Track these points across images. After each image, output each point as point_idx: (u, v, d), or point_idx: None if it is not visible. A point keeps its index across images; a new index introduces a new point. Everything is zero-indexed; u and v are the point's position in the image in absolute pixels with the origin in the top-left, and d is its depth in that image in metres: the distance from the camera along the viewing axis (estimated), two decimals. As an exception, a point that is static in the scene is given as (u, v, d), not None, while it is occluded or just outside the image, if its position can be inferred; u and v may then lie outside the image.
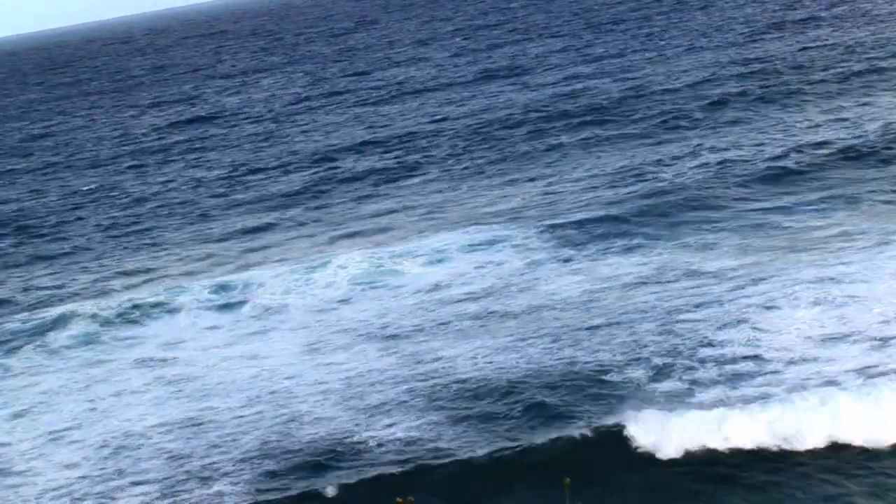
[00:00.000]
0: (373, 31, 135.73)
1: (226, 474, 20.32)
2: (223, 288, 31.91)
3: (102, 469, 21.50)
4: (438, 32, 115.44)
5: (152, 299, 31.97)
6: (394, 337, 26.21)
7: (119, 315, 30.93)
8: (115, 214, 47.55)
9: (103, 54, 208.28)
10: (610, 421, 19.35)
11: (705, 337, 22.89)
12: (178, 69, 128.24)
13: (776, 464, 18.25)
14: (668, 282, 26.65)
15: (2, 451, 23.28)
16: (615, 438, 18.89)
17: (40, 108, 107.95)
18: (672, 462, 18.54)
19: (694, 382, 20.98)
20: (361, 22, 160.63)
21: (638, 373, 21.66)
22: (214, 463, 20.88)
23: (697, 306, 24.83)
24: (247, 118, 71.78)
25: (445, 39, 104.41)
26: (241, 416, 22.90)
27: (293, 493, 19.34)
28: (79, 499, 20.42)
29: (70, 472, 21.64)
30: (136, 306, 31.55)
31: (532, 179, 40.10)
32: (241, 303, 30.33)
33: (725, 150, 38.70)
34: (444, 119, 56.84)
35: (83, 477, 21.29)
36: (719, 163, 36.93)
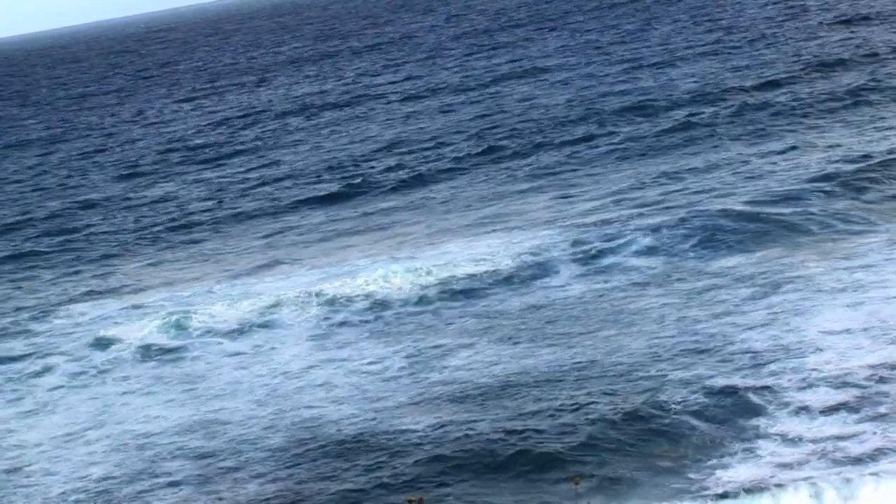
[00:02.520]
0: (387, 31, 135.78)
1: (258, 474, 20.96)
2: (238, 290, 32.59)
3: (126, 469, 22.12)
4: (458, 31, 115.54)
5: (164, 302, 32.67)
6: (399, 334, 27.23)
7: (129, 315, 31.68)
8: (132, 215, 48.14)
9: (111, 53, 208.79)
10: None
11: (726, 333, 23.77)
12: (194, 68, 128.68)
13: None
14: (686, 283, 27.51)
15: (20, 451, 23.89)
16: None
17: (62, 106, 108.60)
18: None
19: (716, 368, 22.03)
20: (375, 22, 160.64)
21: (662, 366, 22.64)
22: (244, 463, 21.54)
23: (716, 306, 25.68)
24: (271, 119, 71.70)
25: (468, 38, 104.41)
26: (260, 416, 23.68)
27: (319, 492, 20.02)
28: (109, 499, 21.04)
29: (93, 472, 22.25)
30: (145, 306, 32.32)
31: (554, 185, 40.34)
32: (252, 303, 30.86)
33: (746, 158, 38.70)
34: (464, 121, 56.85)
35: (107, 477, 21.91)
36: (742, 171, 37.09)
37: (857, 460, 18.33)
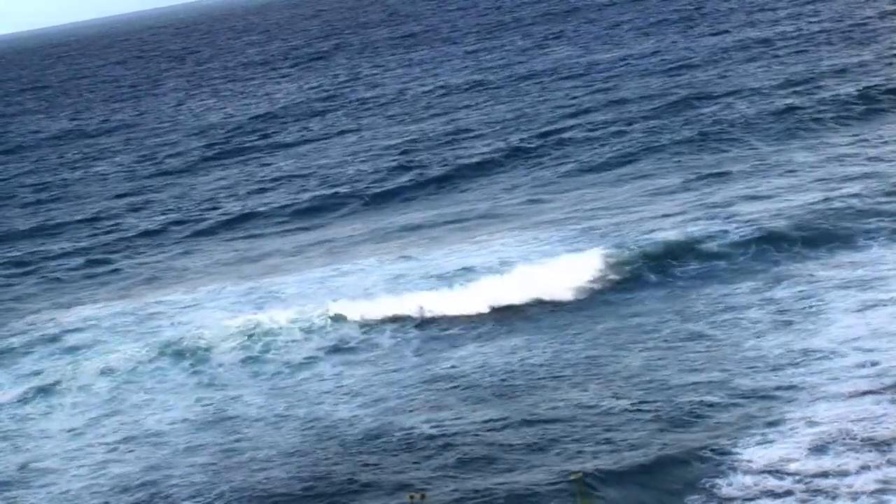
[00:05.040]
0: (410, 24, 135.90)
1: (273, 470, 21.69)
2: (251, 286, 33.38)
3: (141, 464, 22.87)
4: (492, 21, 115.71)
5: (175, 300, 33.44)
6: (410, 331, 28.18)
7: (141, 314, 32.48)
8: (144, 214, 48.82)
9: (128, 49, 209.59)
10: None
11: (736, 336, 24.44)
12: (208, 64, 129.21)
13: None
14: (700, 290, 28.00)
15: (30, 447, 24.64)
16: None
17: (77, 101, 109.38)
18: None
19: (732, 373, 22.50)
20: (394, 15, 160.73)
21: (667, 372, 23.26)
22: (256, 458, 22.31)
23: (722, 307, 26.44)
24: (291, 115, 72.02)
25: (499, 31, 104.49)
26: (272, 411, 24.55)
27: (327, 486, 20.77)
28: (126, 494, 21.71)
29: (109, 468, 22.97)
30: (155, 305, 33.09)
31: (578, 186, 40.45)
32: (265, 302, 31.62)
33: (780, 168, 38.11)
34: (497, 119, 56.70)
35: (122, 472, 22.63)
36: (797, 173, 36.68)
37: (882, 444, 18.86)
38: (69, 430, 25.33)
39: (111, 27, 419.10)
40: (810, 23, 68.48)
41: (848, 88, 46.96)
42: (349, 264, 34.38)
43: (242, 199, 48.78)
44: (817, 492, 17.89)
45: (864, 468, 18.29)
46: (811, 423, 19.87)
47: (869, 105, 44.03)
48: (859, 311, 24.62)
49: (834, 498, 17.76)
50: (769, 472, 18.62)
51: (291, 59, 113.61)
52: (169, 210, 48.88)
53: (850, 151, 38.20)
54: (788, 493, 18.04)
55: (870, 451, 18.73)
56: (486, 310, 28.59)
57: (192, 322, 30.78)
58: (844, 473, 18.23)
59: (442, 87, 71.82)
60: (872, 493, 17.62)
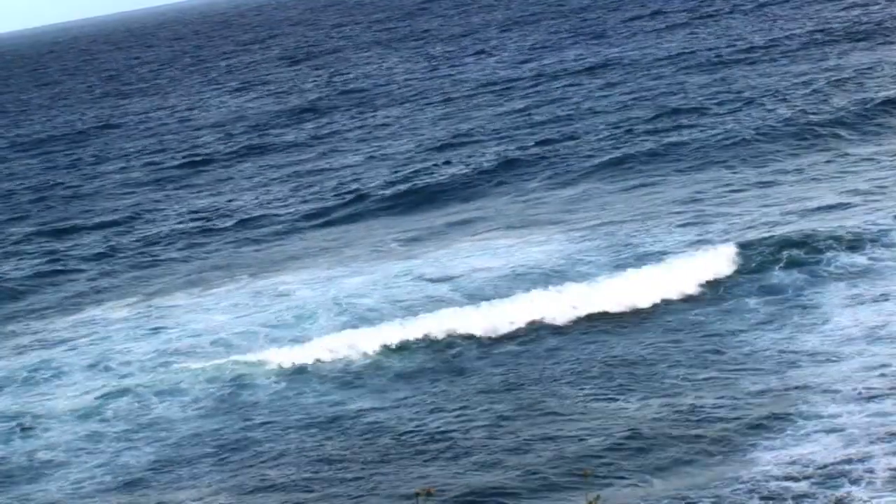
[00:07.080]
0: (421, 21, 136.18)
1: (282, 460, 22.08)
2: (263, 285, 33.68)
3: (151, 459, 23.20)
4: (510, 15, 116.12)
5: (188, 302, 33.66)
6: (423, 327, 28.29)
7: (148, 315, 32.74)
8: (158, 218, 49.14)
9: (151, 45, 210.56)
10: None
11: (737, 337, 24.78)
12: (224, 60, 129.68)
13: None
14: (708, 297, 28.18)
15: (34, 440, 24.92)
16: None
17: (90, 98, 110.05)
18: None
19: (736, 373, 22.78)
20: (398, 11, 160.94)
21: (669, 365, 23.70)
22: (268, 450, 22.71)
23: (723, 306, 26.90)
24: (312, 114, 71.76)
25: (515, 26, 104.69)
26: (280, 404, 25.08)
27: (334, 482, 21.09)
28: (137, 492, 21.99)
29: (117, 463, 23.24)
30: (163, 306, 33.25)
31: (594, 192, 40.33)
32: (276, 300, 31.93)
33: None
34: (515, 118, 56.60)
35: (132, 468, 22.94)
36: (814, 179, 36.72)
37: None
38: (75, 412, 25.78)
39: (114, 25, 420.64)
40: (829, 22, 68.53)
41: (870, 93, 46.79)
42: (360, 266, 34.61)
43: (254, 197, 49.02)
44: (835, 478, 18.27)
45: (885, 453, 18.68)
46: (825, 417, 20.25)
47: (889, 111, 43.90)
48: (862, 305, 25.24)
49: (854, 482, 18.14)
50: (786, 463, 18.99)
51: (305, 55, 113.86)
52: (179, 209, 49.11)
53: (868, 156, 38.36)
54: (807, 477, 18.46)
55: (888, 441, 19.08)
56: (502, 325, 28.48)
57: (200, 324, 31.05)
58: (868, 457, 18.64)
59: (457, 84, 71.95)
60: (889, 480, 18.02)
